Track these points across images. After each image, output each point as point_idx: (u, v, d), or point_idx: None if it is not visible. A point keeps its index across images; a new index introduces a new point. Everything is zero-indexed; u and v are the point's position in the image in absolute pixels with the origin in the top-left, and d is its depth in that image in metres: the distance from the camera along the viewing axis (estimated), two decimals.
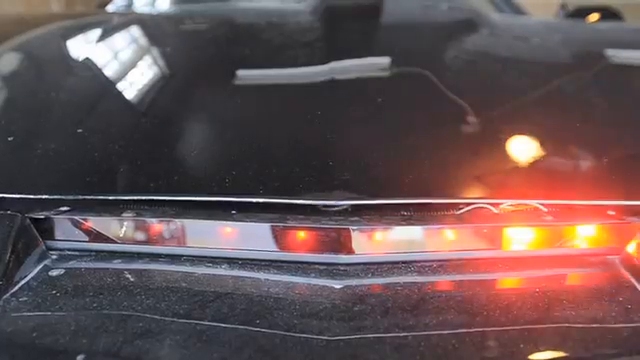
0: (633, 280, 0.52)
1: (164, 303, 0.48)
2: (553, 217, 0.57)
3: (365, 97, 0.77)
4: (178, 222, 0.56)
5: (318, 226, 0.55)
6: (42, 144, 0.66)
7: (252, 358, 0.41)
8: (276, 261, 0.55)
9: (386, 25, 1.12)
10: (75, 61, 0.91)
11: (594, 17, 1.71)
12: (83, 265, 0.54)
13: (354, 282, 0.52)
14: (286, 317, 0.46)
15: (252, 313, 0.46)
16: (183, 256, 0.56)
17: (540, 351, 0.42)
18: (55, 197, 0.58)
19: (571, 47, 1.00)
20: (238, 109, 0.76)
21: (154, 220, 0.56)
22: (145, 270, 0.53)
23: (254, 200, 0.57)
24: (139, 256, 0.56)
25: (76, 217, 0.56)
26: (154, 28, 1.14)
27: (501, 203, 0.58)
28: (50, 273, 0.52)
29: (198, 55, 0.97)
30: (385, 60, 0.89)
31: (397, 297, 0.49)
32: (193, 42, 1.06)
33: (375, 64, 0.89)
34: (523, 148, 0.67)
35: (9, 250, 0.51)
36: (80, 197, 0.58)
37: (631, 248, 0.54)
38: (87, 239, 0.57)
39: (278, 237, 0.55)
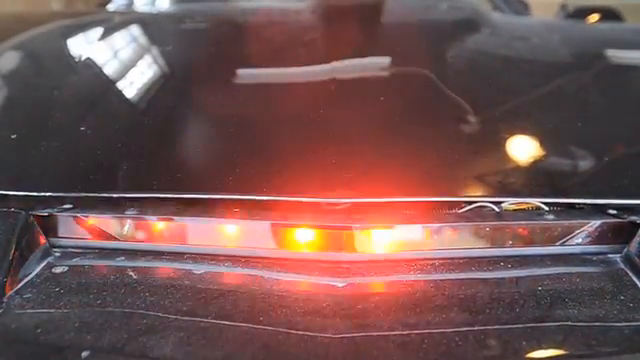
0: (634, 278, 0.52)
1: (167, 300, 0.48)
2: (555, 216, 0.57)
3: (367, 96, 0.77)
4: (181, 220, 0.56)
5: (321, 224, 0.55)
6: (45, 142, 0.66)
7: (255, 355, 0.41)
8: (279, 259, 0.55)
9: (387, 24, 1.12)
10: (77, 60, 0.91)
11: (594, 17, 1.71)
12: (86, 262, 0.54)
13: (357, 280, 0.52)
14: (289, 314, 0.46)
15: (255, 310, 0.47)
16: (186, 254, 0.56)
17: (542, 349, 0.42)
18: (58, 195, 0.58)
19: (571, 47, 1.00)
20: (240, 108, 0.76)
21: (157, 218, 0.56)
22: (148, 267, 0.54)
23: (257, 198, 0.57)
24: (142, 253, 0.56)
25: (79, 215, 0.57)
26: (155, 27, 1.14)
27: (503, 202, 0.58)
28: (54, 270, 0.53)
29: (199, 54, 0.97)
30: (386, 59, 0.90)
31: (400, 295, 0.49)
32: (194, 41, 1.05)
33: (376, 63, 0.89)
34: (525, 147, 0.67)
35: (13, 247, 0.51)
36: (83, 195, 0.58)
37: (633, 247, 0.55)
38: (90, 236, 0.57)
39: (281, 235, 0.55)
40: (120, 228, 0.57)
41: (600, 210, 0.58)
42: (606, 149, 0.68)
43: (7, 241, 0.51)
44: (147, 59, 0.93)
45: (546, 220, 0.57)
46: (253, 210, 0.57)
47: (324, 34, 1.03)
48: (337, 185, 0.58)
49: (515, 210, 0.59)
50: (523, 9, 1.83)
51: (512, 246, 0.56)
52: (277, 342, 0.43)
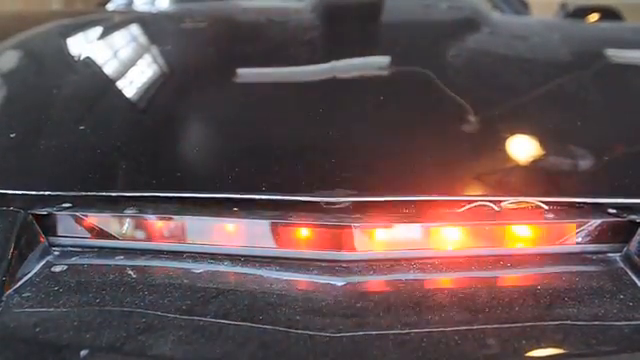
0: (634, 278, 0.52)
1: (167, 299, 0.48)
2: (554, 215, 0.57)
3: (366, 95, 0.77)
4: (180, 219, 0.56)
5: (320, 223, 0.55)
6: (44, 141, 0.66)
7: (254, 354, 0.41)
8: (278, 258, 0.55)
9: (386, 24, 1.12)
10: (76, 59, 0.91)
11: (594, 17, 1.71)
12: (85, 261, 0.54)
13: (356, 279, 0.52)
14: (288, 313, 0.46)
15: (254, 309, 0.47)
16: (185, 253, 0.56)
17: (542, 348, 0.42)
18: (57, 193, 0.58)
19: (571, 46, 1.00)
20: (240, 107, 0.76)
21: (156, 217, 0.56)
22: (147, 266, 0.53)
23: (256, 197, 0.57)
24: (141, 252, 0.56)
25: (78, 213, 0.57)
26: (154, 26, 1.14)
27: (502, 201, 0.58)
28: (53, 269, 0.52)
29: (198, 53, 0.97)
30: (386, 59, 0.90)
31: (399, 294, 0.49)
32: (193, 40, 1.05)
33: (376, 63, 0.89)
34: (524, 146, 0.67)
35: (12, 246, 0.51)
36: (82, 193, 0.58)
37: (632, 246, 0.55)
38: (89, 235, 0.57)
39: (280, 234, 0.55)
40: (119, 227, 0.56)
41: (600, 209, 0.58)
42: (606, 148, 0.68)
43: (6, 240, 0.51)
44: (146, 58, 0.93)
45: (545, 219, 0.57)
46: (252, 209, 0.57)
47: (324, 33, 1.02)
48: (336, 184, 0.58)
49: (515, 209, 0.59)
50: (523, 8, 1.83)
51: (511, 245, 0.56)
52: (276, 341, 0.43)
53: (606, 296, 0.49)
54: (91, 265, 0.54)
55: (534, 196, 0.59)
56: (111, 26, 1.09)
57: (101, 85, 0.82)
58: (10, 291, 0.48)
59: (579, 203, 0.59)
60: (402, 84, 0.81)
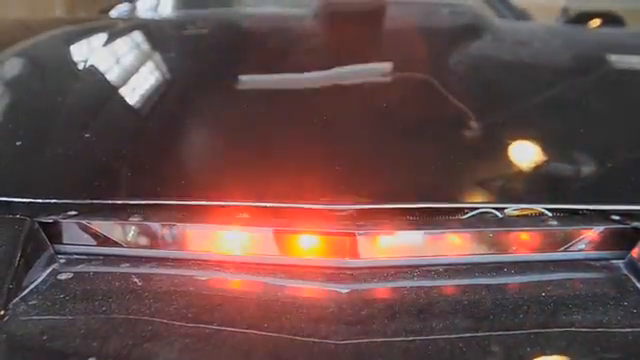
0: (638, 284, 0.52)
1: (172, 307, 0.48)
2: (558, 222, 0.57)
3: (370, 102, 0.78)
4: (185, 227, 0.56)
5: (324, 230, 0.55)
6: (50, 149, 0.67)
7: None
8: (282, 265, 0.55)
9: (389, 30, 1.13)
10: (80, 66, 0.92)
11: (596, 22, 1.71)
12: (91, 269, 0.54)
13: (361, 286, 0.52)
14: (293, 321, 0.46)
15: (259, 317, 0.47)
16: (190, 260, 0.56)
17: (546, 355, 0.43)
18: (63, 201, 0.58)
19: (573, 52, 1.00)
20: (243, 114, 0.76)
21: (161, 224, 0.57)
22: (153, 274, 0.54)
23: (261, 205, 0.57)
24: (147, 260, 0.56)
25: (84, 221, 0.57)
26: (158, 34, 1.14)
27: (506, 208, 0.59)
28: (59, 277, 0.53)
29: (202, 60, 0.97)
30: (389, 66, 0.90)
31: (404, 301, 0.49)
32: (197, 47, 1.06)
33: (379, 70, 0.89)
34: (528, 153, 0.67)
35: (18, 254, 0.51)
36: (88, 201, 0.59)
37: (636, 253, 0.55)
38: (95, 243, 0.57)
39: (284, 241, 0.56)
40: (125, 235, 0.57)
41: (603, 216, 0.58)
42: (609, 155, 0.68)
43: (12, 248, 0.51)
44: (150, 66, 0.93)
45: (549, 226, 0.57)
46: (257, 217, 0.57)
47: (326, 40, 1.03)
48: (341, 191, 0.58)
49: (518, 216, 0.59)
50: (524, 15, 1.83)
51: (515, 252, 0.56)
52: (281, 348, 0.43)
53: (610, 303, 0.49)
54: (97, 273, 0.54)
55: (537, 203, 0.59)
56: (115, 33, 1.09)
57: (106, 93, 0.83)
58: (16, 299, 0.48)
59: (582, 210, 0.59)
60: (406, 91, 0.82)
